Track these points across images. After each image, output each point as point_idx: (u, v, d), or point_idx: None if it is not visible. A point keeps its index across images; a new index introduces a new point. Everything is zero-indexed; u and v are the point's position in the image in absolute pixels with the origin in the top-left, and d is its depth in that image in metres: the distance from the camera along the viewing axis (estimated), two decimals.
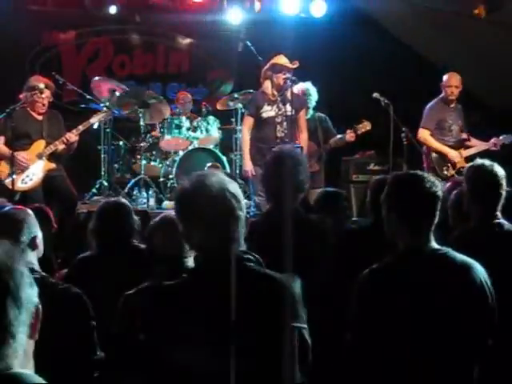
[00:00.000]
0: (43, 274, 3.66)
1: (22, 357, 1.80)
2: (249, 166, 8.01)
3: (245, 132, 8.22)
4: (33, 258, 3.66)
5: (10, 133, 7.57)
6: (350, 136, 8.88)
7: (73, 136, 8.00)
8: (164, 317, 2.72)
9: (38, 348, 1.88)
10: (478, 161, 4.44)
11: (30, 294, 1.83)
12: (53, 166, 7.95)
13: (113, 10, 11.00)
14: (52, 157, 7.96)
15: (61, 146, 7.95)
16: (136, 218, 4.49)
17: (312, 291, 3.52)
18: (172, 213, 3.17)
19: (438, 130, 8.66)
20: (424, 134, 8.63)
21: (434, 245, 3.23)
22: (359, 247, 3.98)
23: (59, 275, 4.78)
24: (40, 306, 1.86)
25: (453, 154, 8.61)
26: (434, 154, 8.64)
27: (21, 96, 7.92)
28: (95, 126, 8.69)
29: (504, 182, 4.23)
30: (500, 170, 4.28)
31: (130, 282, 3.67)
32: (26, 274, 1.83)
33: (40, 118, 8.03)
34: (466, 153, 8.65)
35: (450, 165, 8.62)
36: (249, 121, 8.21)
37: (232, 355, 2.48)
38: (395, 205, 3.28)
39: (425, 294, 3.11)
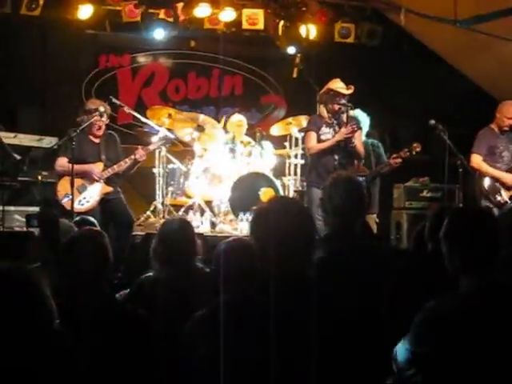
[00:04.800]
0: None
1: None
2: None
3: (312, 145, 8.16)
4: None
5: (70, 155, 7.67)
6: (393, 161, 8.81)
7: (143, 155, 8.14)
8: None
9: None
10: None
11: None
12: (110, 189, 8.04)
13: (160, 35, 10.95)
14: (109, 179, 8.06)
15: (123, 167, 8.06)
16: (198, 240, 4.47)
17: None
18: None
19: (489, 156, 8.56)
20: (477, 160, 8.53)
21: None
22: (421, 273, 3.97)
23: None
24: None
25: (507, 178, 8.51)
26: (486, 180, 8.55)
27: (78, 119, 8.01)
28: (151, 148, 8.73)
29: None
30: None
31: (194, 303, 3.70)
32: None
33: (97, 140, 8.13)
34: None
35: (503, 191, 8.53)
36: (313, 135, 8.14)
37: None
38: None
39: None
